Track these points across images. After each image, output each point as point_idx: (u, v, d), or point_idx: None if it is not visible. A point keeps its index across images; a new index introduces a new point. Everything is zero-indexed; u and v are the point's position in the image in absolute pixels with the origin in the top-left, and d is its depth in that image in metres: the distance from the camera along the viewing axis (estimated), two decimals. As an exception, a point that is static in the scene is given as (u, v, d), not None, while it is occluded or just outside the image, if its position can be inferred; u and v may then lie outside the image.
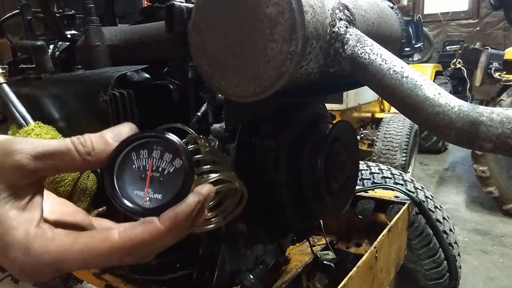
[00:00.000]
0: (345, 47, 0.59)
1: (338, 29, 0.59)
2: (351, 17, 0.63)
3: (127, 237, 0.37)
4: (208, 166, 0.53)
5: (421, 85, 0.52)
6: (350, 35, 0.60)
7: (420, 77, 0.53)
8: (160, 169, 0.40)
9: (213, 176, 0.51)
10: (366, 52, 0.57)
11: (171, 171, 0.40)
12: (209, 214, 0.56)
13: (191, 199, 0.39)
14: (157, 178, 0.40)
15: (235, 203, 0.59)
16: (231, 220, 0.78)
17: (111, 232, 0.38)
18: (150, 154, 0.41)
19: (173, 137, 0.41)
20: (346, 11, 0.62)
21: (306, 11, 0.51)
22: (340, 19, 0.60)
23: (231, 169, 0.58)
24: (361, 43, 0.59)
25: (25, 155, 0.37)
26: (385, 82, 0.55)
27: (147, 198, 0.39)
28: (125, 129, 0.43)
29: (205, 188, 0.42)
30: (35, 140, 0.40)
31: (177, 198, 0.39)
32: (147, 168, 0.40)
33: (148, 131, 0.42)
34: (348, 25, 0.61)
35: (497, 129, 0.46)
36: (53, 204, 0.45)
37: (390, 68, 0.55)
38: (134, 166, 0.41)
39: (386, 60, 0.56)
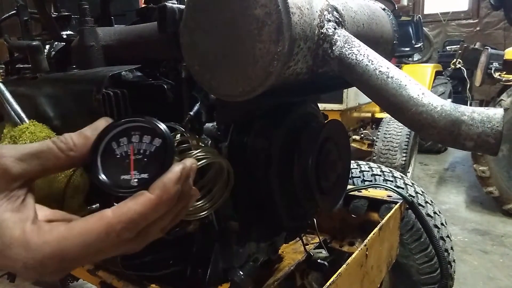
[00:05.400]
0: (333, 48, 0.60)
1: (327, 30, 0.60)
2: (340, 19, 0.63)
3: (120, 212, 0.39)
4: (193, 151, 0.55)
5: (405, 85, 0.53)
6: (338, 36, 0.61)
7: (405, 77, 0.54)
8: (141, 151, 0.42)
9: (195, 152, 0.54)
10: (354, 53, 0.58)
11: (152, 150, 0.42)
12: (199, 202, 0.58)
13: (176, 168, 0.42)
14: (140, 160, 0.42)
15: (223, 186, 0.60)
16: (224, 218, 0.79)
17: (104, 212, 0.39)
18: (129, 140, 0.43)
19: (147, 118, 0.43)
20: (335, 13, 0.63)
21: (293, 13, 0.52)
22: (329, 21, 0.61)
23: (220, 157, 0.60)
24: (349, 44, 0.60)
25: (8, 158, 0.39)
26: (371, 82, 0.56)
27: (135, 180, 0.41)
28: (101, 123, 0.45)
29: (188, 160, 0.44)
30: (16, 145, 0.42)
31: (162, 170, 0.41)
32: (129, 153, 0.42)
33: (122, 118, 0.44)
34: (337, 27, 0.62)
35: (478, 128, 0.47)
36: (43, 209, 0.46)
37: (376, 69, 0.56)
38: (116, 154, 0.43)
39: (372, 61, 0.57)
